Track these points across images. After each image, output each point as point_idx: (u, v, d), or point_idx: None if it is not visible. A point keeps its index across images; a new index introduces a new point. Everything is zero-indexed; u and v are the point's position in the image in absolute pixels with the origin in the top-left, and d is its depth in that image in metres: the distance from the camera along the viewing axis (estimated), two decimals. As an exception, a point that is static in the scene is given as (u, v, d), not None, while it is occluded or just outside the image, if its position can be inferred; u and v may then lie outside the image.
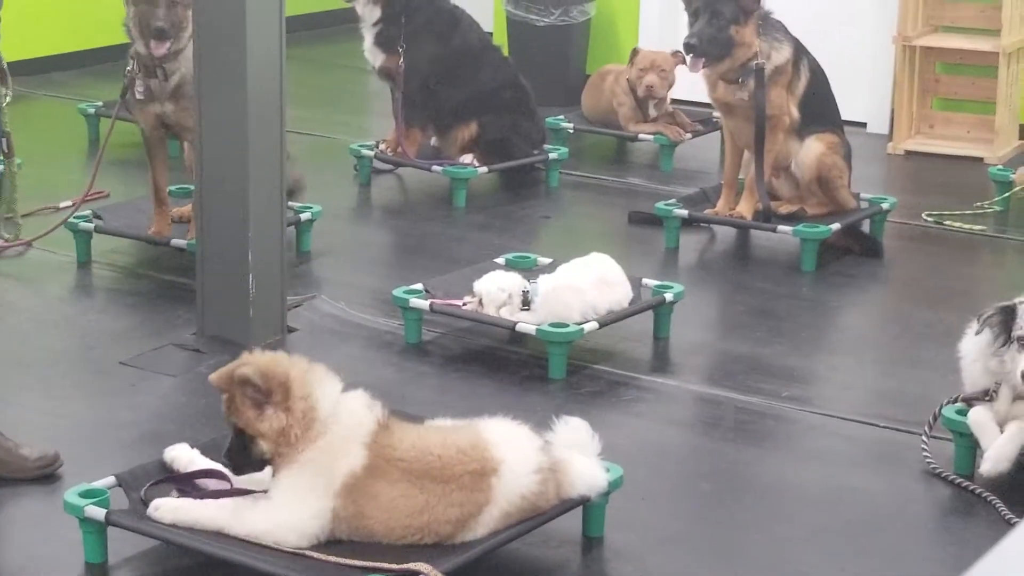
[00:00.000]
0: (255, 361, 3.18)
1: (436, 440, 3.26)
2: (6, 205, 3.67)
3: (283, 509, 3.16)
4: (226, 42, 4.54)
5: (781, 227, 5.56)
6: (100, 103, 7.14)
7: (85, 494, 3.36)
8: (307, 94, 7.84)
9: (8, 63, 3.74)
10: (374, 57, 6.51)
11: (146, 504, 3.29)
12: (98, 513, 3.31)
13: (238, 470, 3.25)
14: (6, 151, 3.62)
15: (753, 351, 4.74)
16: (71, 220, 5.40)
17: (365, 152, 6.50)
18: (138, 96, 5.20)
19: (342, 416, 3.20)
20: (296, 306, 4.95)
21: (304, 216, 5.53)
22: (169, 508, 3.24)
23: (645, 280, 4.89)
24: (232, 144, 4.60)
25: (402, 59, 6.38)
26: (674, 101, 7.04)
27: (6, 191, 3.64)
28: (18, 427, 4.08)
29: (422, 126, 6.53)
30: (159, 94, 5.18)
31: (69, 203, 5.95)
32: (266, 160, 4.65)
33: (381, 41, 6.44)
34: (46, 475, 3.72)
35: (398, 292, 4.74)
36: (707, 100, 5.96)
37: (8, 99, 3.70)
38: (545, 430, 3.44)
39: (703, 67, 5.56)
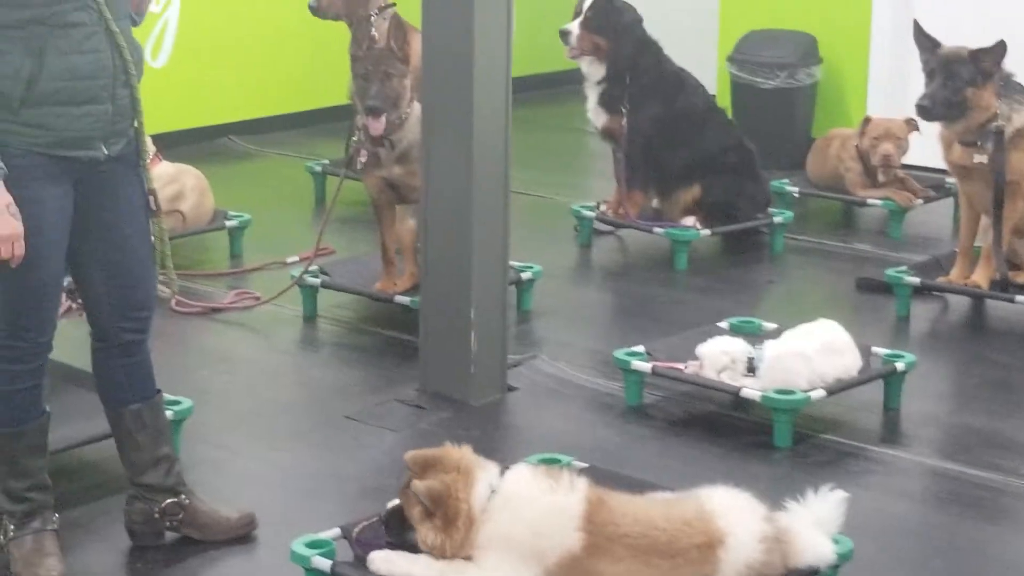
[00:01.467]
0: (434, 478, 3.20)
1: (660, 513, 3.23)
2: (160, 263, 3.64)
3: None
4: (453, 103, 4.59)
5: (1019, 297, 5.33)
6: (326, 161, 7.31)
7: (312, 544, 3.40)
8: (529, 154, 7.89)
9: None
10: (597, 117, 6.50)
11: (357, 542, 3.34)
12: (324, 564, 3.34)
13: (391, 537, 3.28)
14: (154, 209, 3.59)
15: (990, 425, 4.53)
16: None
17: (586, 213, 6.49)
18: (360, 164, 5.26)
19: (501, 504, 3.19)
20: (516, 365, 4.94)
21: (525, 275, 5.54)
22: (383, 559, 3.27)
23: (875, 348, 4.73)
24: (457, 203, 4.64)
25: (625, 119, 6.36)
26: (904, 166, 6.84)
27: (157, 249, 3.62)
28: (245, 476, 4.18)
29: (644, 187, 6.49)
30: (385, 161, 5.25)
31: (296, 258, 6.09)
32: (490, 219, 4.67)
33: (605, 101, 6.43)
34: (247, 535, 3.75)
35: (619, 354, 4.69)
36: (939, 165, 5.77)
37: (149, 155, 3.64)
38: (776, 500, 3.35)
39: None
